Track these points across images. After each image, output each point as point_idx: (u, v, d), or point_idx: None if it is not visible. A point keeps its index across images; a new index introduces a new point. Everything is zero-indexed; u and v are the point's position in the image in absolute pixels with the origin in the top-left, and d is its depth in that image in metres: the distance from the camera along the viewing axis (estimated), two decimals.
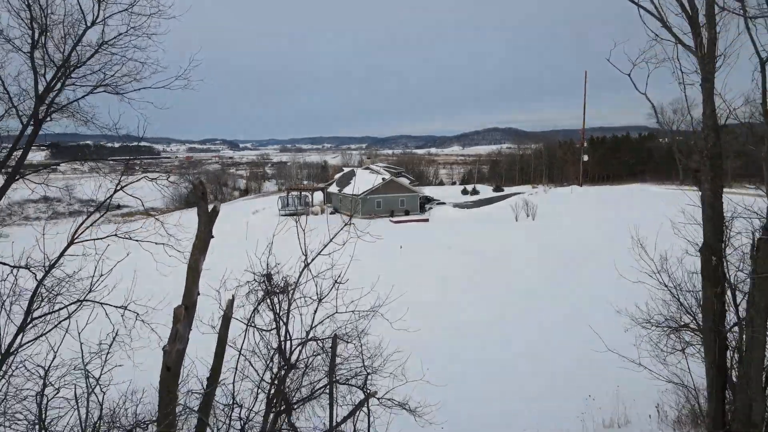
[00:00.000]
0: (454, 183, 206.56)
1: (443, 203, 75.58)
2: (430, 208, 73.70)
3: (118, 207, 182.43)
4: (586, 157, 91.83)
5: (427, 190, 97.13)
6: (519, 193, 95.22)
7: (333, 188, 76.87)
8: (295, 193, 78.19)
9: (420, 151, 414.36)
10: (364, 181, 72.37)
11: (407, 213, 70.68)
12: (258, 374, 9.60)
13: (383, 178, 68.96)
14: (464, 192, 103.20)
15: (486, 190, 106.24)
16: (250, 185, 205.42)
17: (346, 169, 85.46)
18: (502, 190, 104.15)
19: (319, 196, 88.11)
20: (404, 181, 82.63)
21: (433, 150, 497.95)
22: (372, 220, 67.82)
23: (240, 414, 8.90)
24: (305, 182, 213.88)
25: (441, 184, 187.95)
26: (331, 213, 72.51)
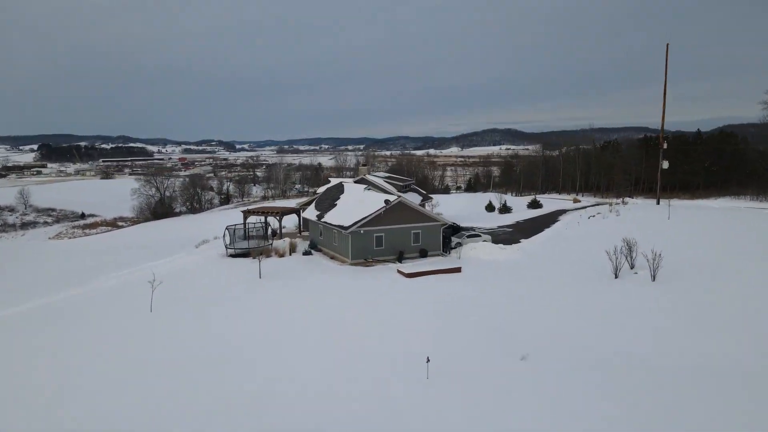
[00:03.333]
0: (459, 188, 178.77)
1: (477, 235, 47.48)
2: (458, 244, 45.67)
3: (82, 216, 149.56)
4: (666, 164, 63.83)
5: (438, 205, 68.96)
6: (564, 211, 67.58)
7: (310, 211, 48.71)
8: (253, 219, 49.97)
9: (419, 152, 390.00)
10: (356, 201, 44.29)
11: (424, 254, 42.69)
12: None
13: (386, 200, 40.83)
14: (490, 208, 75.10)
15: (517, 204, 78.19)
16: (237, 190, 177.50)
17: (333, 181, 57.17)
18: (540, 205, 75.99)
19: (292, 219, 59.69)
20: (415, 199, 54.35)
21: (432, 151, 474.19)
22: (370, 267, 39.70)
23: None
24: (297, 187, 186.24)
25: (446, 190, 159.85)
26: (306, 253, 44.45)
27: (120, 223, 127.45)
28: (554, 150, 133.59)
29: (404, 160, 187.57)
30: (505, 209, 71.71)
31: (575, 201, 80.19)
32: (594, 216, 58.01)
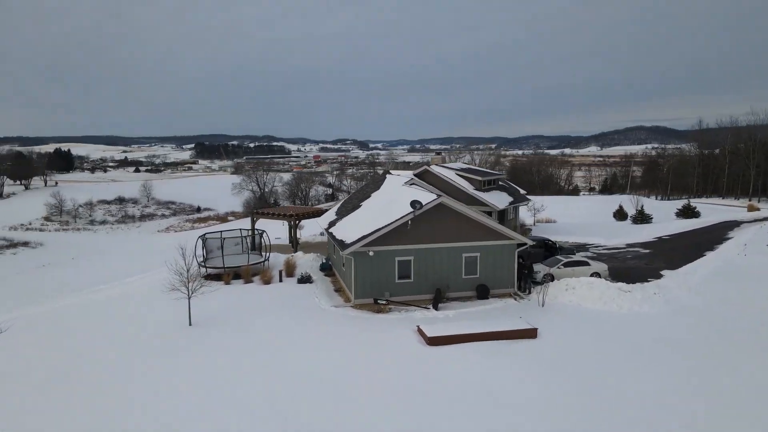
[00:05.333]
0: (592, 189, 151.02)
1: (582, 262, 27.96)
2: (547, 277, 26.76)
3: (198, 210, 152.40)
4: None
5: (553, 203, 49.44)
6: (736, 224, 43.63)
7: (327, 217, 32.49)
8: (250, 228, 35.10)
9: (553, 152, 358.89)
10: (387, 202, 27.40)
11: (483, 293, 24.77)
12: None
13: (413, 203, 23.18)
14: (621, 216, 53.37)
15: (661, 211, 55.28)
16: (355, 187, 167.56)
17: (396, 175, 40.14)
18: (696, 214, 52.53)
19: (314, 226, 44.01)
20: (501, 200, 36.12)
21: (567, 150, 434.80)
22: (381, 316, 22.77)
23: None
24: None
25: (575, 191, 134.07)
26: (304, 279, 28.16)
27: (230, 218, 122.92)
28: (714, 148, 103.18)
29: (535, 159, 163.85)
30: (641, 218, 49.65)
31: (752, 209, 55.15)
32: None
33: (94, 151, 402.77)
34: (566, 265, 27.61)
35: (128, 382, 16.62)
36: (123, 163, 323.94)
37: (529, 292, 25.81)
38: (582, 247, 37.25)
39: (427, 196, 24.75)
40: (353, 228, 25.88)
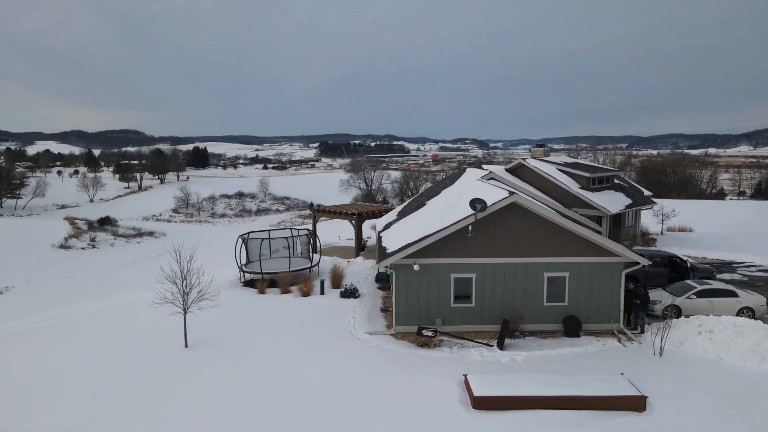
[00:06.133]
0: (742, 194, 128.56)
1: (727, 292, 19.59)
2: (670, 311, 18.94)
3: (310, 206, 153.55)
4: None
5: (689, 208, 39.94)
6: None
7: (387, 218, 26.82)
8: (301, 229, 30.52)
9: (694, 152, 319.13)
10: (454, 200, 21.39)
11: (573, 328, 17.76)
12: None
13: (475, 202, 16.97)
14: None
15: None
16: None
17: (481, 169, 33.41)
18: None
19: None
20: (617, 201, 28.35)
21: (711, 150, 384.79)
22: (427, 351, 16.70)
23: None
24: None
25: (721, 194, 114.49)
26: (349, 293, 22.94)
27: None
28: None
29: (670, 160, 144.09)
30: None
31: None
32: None
33: (230, 150, 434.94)
34: (701, 294, 19.46)
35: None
36: (254, 161, 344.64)
37: (642, 332, 18.27)
38: (726, 267, 27.95)
39: (496, 194, 18.29)
40: (405, 232, 20.19)
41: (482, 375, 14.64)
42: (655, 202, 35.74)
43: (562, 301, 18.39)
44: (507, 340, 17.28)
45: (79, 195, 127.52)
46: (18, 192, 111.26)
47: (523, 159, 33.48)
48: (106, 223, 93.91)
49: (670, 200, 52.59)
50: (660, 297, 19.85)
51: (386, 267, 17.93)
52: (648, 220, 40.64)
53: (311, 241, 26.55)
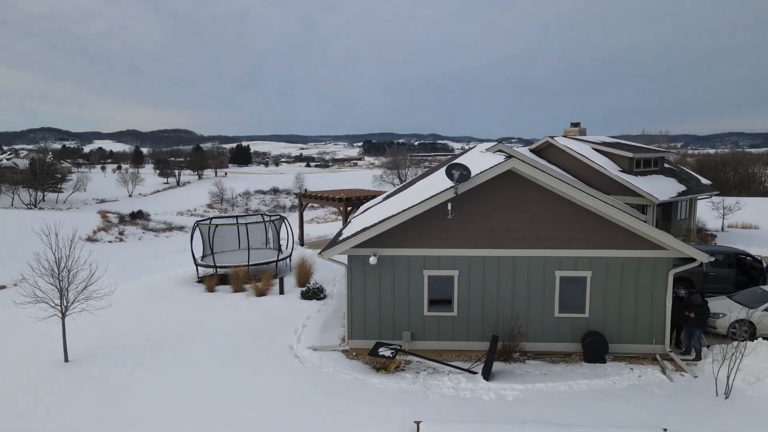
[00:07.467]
0: None
1: None
2: (735, 331, 13.28)
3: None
4: None
5: (755, 203, 33.29)
6: None
7: (367, 206, 22.03)
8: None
9: (757, 151, 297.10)
10: (439, 178, 16.38)
11: (595, 352, 12.38)
12: None
13: (450, 169, 11.74)
14: None
15: None
16: None
17: (482, 148, 28.38)
18: None
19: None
20: (667, 186, 22.45)
21: None
22: (388, 380, 11.77)
23: None
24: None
25: None
26: (311, 293, 17.82)
27: None
28: None
29: (729, 158, 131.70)
30: None
31: None
32: None
33: (276, 148, 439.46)
34: None
35: None
36: (297, 159, 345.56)
37: (698, 358, 12.64)
38: None
39: (487, 161, 13.09)
40: (374, 217, 15.24)
41: (444, 424, 9.52)
42: (715, 191, 29.15)
43: (580, 311, 12.95)
44: (497, 365, 12.04)
45: (119, 190, 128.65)
46: (59, 186, 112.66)
47: (551, 137, 27.79)
48: (137, 217, 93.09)
49: (733, 198, 45.19)
50: (725, 308, 14.08)
51: (331, 259, 12.98)
52: (706, 213, 33.96)
53: (278, 228, 21.95)
